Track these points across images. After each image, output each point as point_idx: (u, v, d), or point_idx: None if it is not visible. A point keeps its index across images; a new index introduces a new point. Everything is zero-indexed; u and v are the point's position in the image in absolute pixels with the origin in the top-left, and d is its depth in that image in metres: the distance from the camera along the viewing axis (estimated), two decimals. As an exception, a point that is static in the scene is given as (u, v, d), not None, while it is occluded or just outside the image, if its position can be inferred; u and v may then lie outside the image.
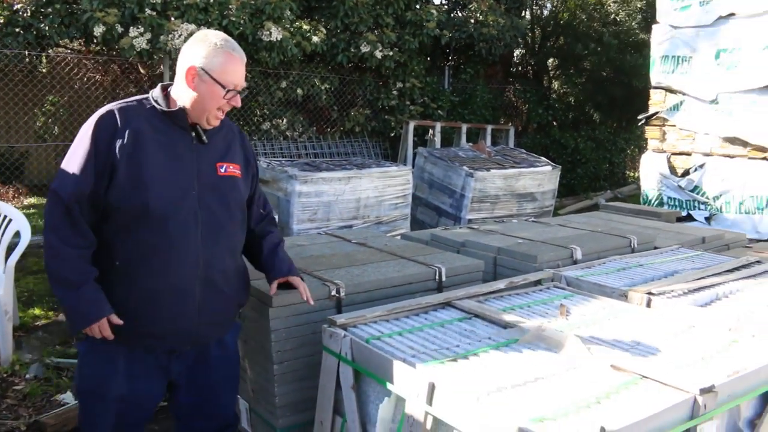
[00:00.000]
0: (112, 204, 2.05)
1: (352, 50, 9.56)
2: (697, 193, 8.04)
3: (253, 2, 8.25)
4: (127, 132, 2.07)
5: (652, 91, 8.57)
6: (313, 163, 7.17)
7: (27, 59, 8.03)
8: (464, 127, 10.36)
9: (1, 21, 7.44)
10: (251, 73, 8.98)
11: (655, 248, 4.04)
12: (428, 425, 1.93)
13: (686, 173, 8.22)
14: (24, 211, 7.04)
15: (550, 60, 14.47)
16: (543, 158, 8.64)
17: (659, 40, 8.42)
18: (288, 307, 2.61)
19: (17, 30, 7.50)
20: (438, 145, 9.91)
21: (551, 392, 1.88)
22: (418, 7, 10.48)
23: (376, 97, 10.53)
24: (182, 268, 2.11)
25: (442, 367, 2.04)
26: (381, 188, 6.62)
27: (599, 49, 12.56)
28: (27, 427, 3.39)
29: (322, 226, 6.08)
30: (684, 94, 8.17)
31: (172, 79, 8.23)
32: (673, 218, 5.78)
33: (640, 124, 9.12)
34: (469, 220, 7.09)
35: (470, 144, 9.46)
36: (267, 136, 9.66)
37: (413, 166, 8.18)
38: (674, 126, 8.32)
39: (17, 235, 4.27)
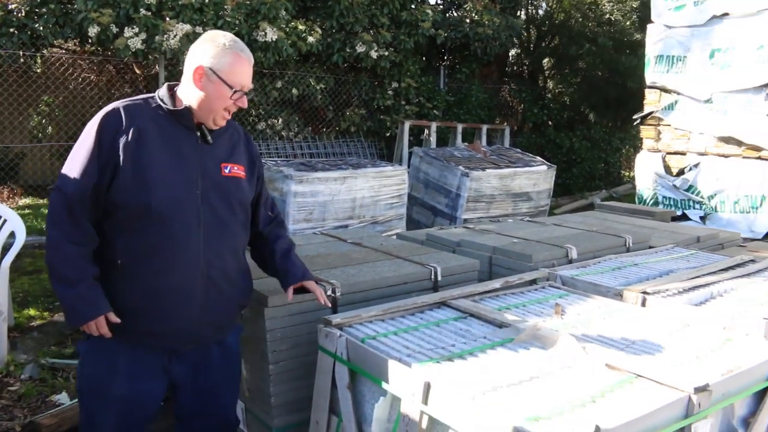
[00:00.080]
0: (115, 202, 2.06)
1: (348, 50, 9.56)
2: (692, 193, 8.07)
3: (248, 2, 8.25)
4: (131, 130, 2.07)
5: (647, 91, 8.60)
6: (308, 163, 7.17)
7: (22, 59, 8.00)
8: (460, 127, 10.38)
9: (-4, 21, 7.43)
10: (246, 72, 8.97)
11: (650, 247, 4.05)
12: (424, 424, 1.93)
13: (681, 173, 8.25)
14: (19, 211, 7.02)
15: (546, 60, 14.48)
16: (538, 158, 8.65)
17: (654, 39, 8.45)
18: (283, 307, 2.61)
19: (11, 30, 7.48)
20: (433, 144, 9.92)
21: (546, 391, 1.88)
22: (413, 6, 10.50)
23: (372, 97, 10.54)
24: (185, 268, 2.11)
25: (438, 366, 2.04)
26: (377, 188, 6.62)
27: (594, 48, 12.59)
28: (22, 428, 3.38)
29: (318, 225, 6.08)
30: (679, 93, 8.20)
31: (166, 79, 8.22)
32: (668, 217, 5.79)
33: (635, 123, 9.15)
34: (465, 220, 7.09)
35: (466, 144, 9.47)
36: (262, 136, 9.66)
37: (409, 166, 8.19)
38: (669, 125, 8.35)
39: (12, 235, 4.26)
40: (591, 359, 2.11)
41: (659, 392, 1.89)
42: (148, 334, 2.14)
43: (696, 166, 8.06)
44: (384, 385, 2.09)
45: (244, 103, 2.19)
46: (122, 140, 2.05)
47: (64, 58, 9.17)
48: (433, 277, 3.09)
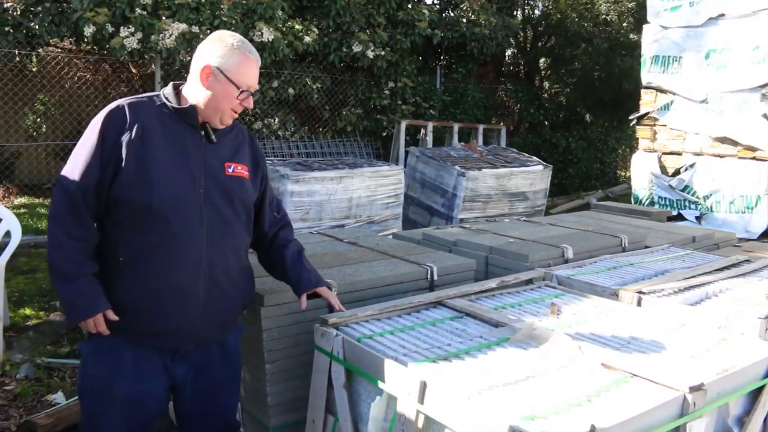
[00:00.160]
0: (117, 199, 2.06)
1: (344, 50, 9.56)
2: (688, 193, 8.09)
3: (244, 2, 8.24)
4: (135, 127, 2.07)
5: (642, 91, 8.61)
6: (305, 162, 7.17)
7: (17, 58, 7.98)
8: (456, 127, 10.38)
9: (-9, 19, 7.42)
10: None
11: (646, 247, 4.06)
12: (420, 424, 1.94)
13: (677, 173, 8.27)
14: (14, 211, 7.00)
15: (542, 60, 14.51)
16: (534, 158, 8.66)
17: (650, 40, 8.47)
18: (280, 307, 2.61)
19: (7, 29, 7.47)
20: (430, 144, 9.93)
21: (542, 390, 1.88)
22: (409, 6, 10.51)
23: (368, 96, 10.54)
24: (186, 266, 2.10)
25: (434, 365, 2.04)
26: (373, 188, 6.62)
27: (590, 49, 12.62)
28: (18, 428, 3.37)
29: (314, 225, 6.08)
30: (674, 94, 8.22)
31: (162, 78, 8.19)
32: (663, 217, 5.81)
33: (631, 124, 9.17)
34: (461, 220, 7.10)
35: (462, 143, 9.48)
36: (258, 135, 9.65)
37: (405, 166, 8.19)
38: (665, 126, 8.37)
39: (7, 234, 4.26)
40: (587, 359, 2.11)
41: (654, 391, 1.89)
42: (149, 334, 2.14)
43: (692, 166, 8.08)
44: (380, 384, 2.09)
45: (250, 104, 2.20)
46: (126, 137, 2.05)
47: (59, 57, 9.15)
48: (429, 276, 3.10)
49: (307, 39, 8.72)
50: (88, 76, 9.85)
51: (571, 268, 3.38)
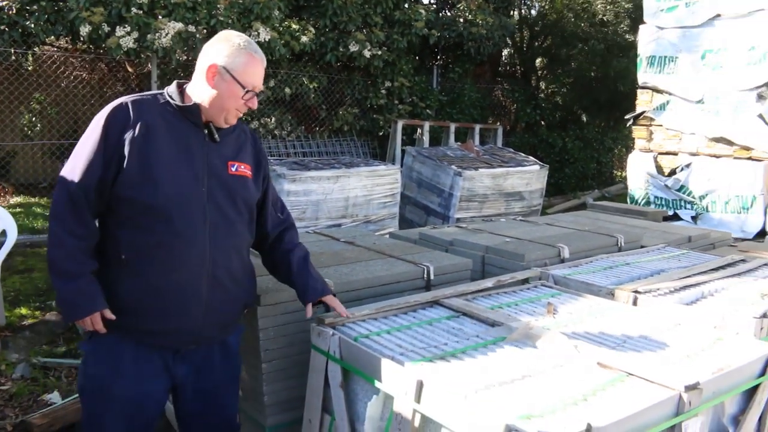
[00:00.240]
0: (120, 197, 2.05)
1: (341, 49, 9.56)
2: (684, 193, 8.11)
3: (241, 2, 8.23)
4: (138, 124, 2.07)
5: (639, 91, 8.64)
6: (301, 162, 7.18)
7: (13, 57, 7.96)
8: (452, 127, 10.39)
9: (-14, 18, 7.39)
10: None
11: (642, 247, 4.07)
12: (416, 423, 1.94)
13: (673, 173, 8.29)
14: (10, 210, 6.99)
15: (538, 60, 14.52)
16: (531, 157, 8.68)
17: (646, 40, 8.49)
18: (276, 306, 2.61)
19: (2, 27, 7.44)
20: (426, 144, 9.93)
21: (538, 390, 1.89)
22: (406, 6, 10.51)
23: (365, 96, 10.54)
24: (189, 265, 2.10)
25: (430, 365, 2.04)
26: (369, 187, 6.63)
27: (586, 48, 12.63)
28: (13, 428, 3.36)
29: (311, 224, 6.08)
30: (670, 94, 8.24)
31: (159, 77, 8.16)
32: (659, 217, 5.82)
33: (627, 124, 9.19)
34: (458, 219, 7.11)
35: (458, 143, 9.50)
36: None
37: (402, 165, 8.20)
38: (661, 126, 8.39)
39: (3, 234, 4.25)
40: (583, 358, 2.12)
41: (650, 390, 1.90)
42: (151, 333, 2.13)
43: (687, 166, 8.10)
44: (377, 383, 2.09)
45: (254, 104, 2.20)
46: (129, 135, 2.05)
47: (55, 56, 9.13)
48: (425, 276, 3.10)
49: (303, 39, 8.71)
50: (84, 75, 9.83)
51: (567, 267, 3.38)
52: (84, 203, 2.04)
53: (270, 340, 2.60)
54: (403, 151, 9.10)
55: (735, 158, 7.67)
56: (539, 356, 2.15)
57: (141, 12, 7.52)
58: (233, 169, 2.22)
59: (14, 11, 7.45)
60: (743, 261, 3.62)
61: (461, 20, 10.94)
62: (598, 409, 1.77)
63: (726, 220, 7.69)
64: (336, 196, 6.36)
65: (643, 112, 8.54)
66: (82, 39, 7.78)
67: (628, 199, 8.78)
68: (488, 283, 2.99)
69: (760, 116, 7.33)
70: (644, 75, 8.49)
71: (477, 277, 3.42)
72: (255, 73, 2.16)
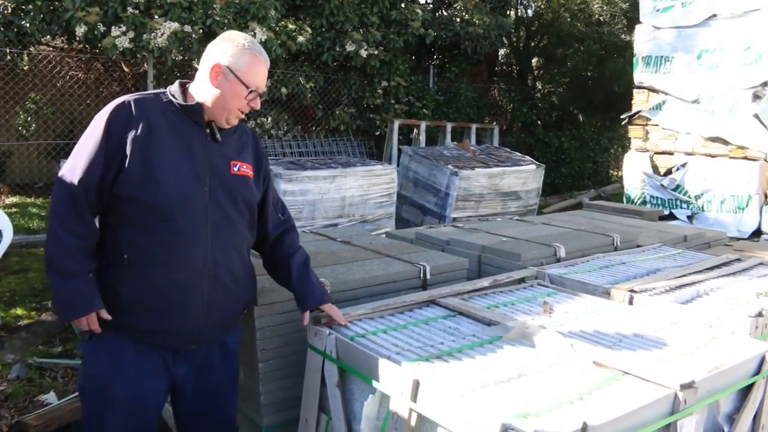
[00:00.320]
0: (121, 196, 2.04)
1: (338, 49, 9.56)
2: (680, 192, 8.12)
3: (237, 1, 8.22)
4: (141, 123, 2.06)
5: (635, 91, 8.65)
6: (298, 161, 7.17)
7: (8, 56, 7.94)
8: (449, 126, 10.39)
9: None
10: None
11: (638, 246, 4.08)
12: (413, 422, 1.94)
13: (669, 172, 8.30)
14: (6, 210, 6.98)
15: (534, 60, 14.54)
16: (527, 157, 8.68)
17: (642, 40, 8.51)
18: (273, 306, 2.61)
19: (-3, 27, 7.43)
20: (423, 143, 9.93)
21: (534, 388, 1.89)
22: (403, 6, 10.51)
23: (361, 95, 10.53)
24: (191, 265, 2.10)
25: (427, 364, 2.05)
26: (366, 187, 6.63)
27: (582, 49, 12.65)
28: (9, 428, 3.36)
29: (307, 224, 6.08)
30: (666, 93, 8.25)
31: (155, 77, 8.14)
32: (655, 217, 5.83)
33: (623, 123, 9.20)
34: (454, 219, 7.11)
35: (455, 143, 9.50)
36: (251, 134, 9.62)
37: (398, 165, 8.19)
38: (657, 125, 8.41)
39: (-1, 234, 4.24)
40: (579, 357, 2.12)
41: (646, 389, 1.91)
42: (152, 332, 2.13)
43: (683, 165, 8.12)
44: (373, 383, 2.09)
45: (257, 105, 2.20)
46: (131, 134, 2.04)
47: (51, 56, 9.10)
48: (422, 275, 3.10)
49: (300, 39, 8.71)
50: (80, 75, 9.81)
51: (563, 266, 3.39)
52: (84, 202, 2.03)
53: (266, 340, 2.60)
54: (399, 151, 9.09)
55: (731, 158, 7.69)
56: (535, 355, 2.15)
57: (137, 12, 7.50)
58: (235, 169, 2.22)
59: (9, 11, 7.42)
60: (738, 260, 3.63)
61: (458, 20, 10.95)
62: (594, 408, 1.77)
63: (721, 219, 7.71)
64: (332, 195, 6.36)
65: (639, 112, 8.55)
66: (77, 39, 7.77)
67: (624, 199, 8.79)
68: (484, 282, 3.00)
69: (756, 116, 7.35)
70: (640, 75, 8.51)
71: (473, 276, 3.43)
72: (259, 73, 2.16)
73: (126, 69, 9.81)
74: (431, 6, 12.03)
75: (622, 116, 8.99)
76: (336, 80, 10.40)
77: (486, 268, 3.58)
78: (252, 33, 8.09)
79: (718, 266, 3.49)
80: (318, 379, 2.34)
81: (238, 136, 2.30)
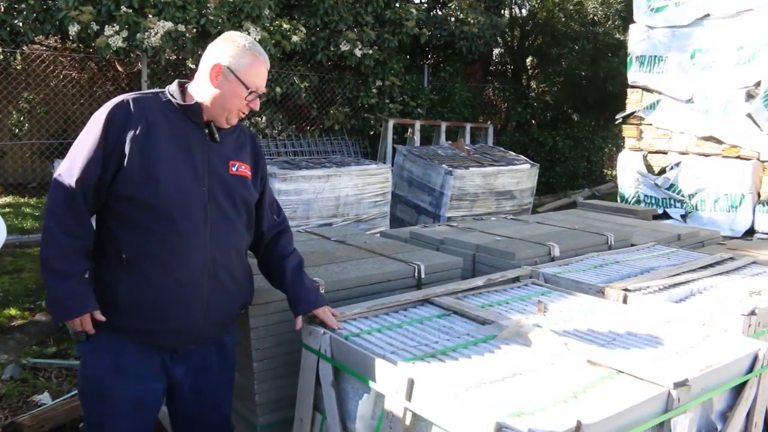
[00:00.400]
0: (120, 195, 2.03)
1: (332, 48, 9.55)
2: (673, 191, 8.15)
3: (231, 1, 8.20)
4: (140, 122, 2.06)
5: (629, 91, 8.67)
6: (292, 161, 7.17)
7: (1, 56, 7.91)
8: (443, 126, 10.40)
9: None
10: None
11: (632, 245, 4.09)
12: (407, 421, 1.94)
13: (662, 171, 8.33)
14: (-1, 210, 6.95)
15: (529, 59, 14.56)
16: (522, 156, 8.70)
17: (636, 40, 8.53)
18: (267, 305, 2.61)
19: (-10, 26, 7.39)
20: (417, 143, 9.94)
21: (529, 387, 1.90)
22: (397, 5, 10.50)
23: (356, 95, 10.53)
24: (190, 265, 2.09)
25: (421, 363, 2.05)
26: (360, 186, 6.63)
27: (576, 48, 12.68)
28: (3, 429, 3.34)
29: (302, 224, 6.08)
30: (660, 93, 8.27)
31: (149, 76, 8.10)
32: (649, 216, 5.85)
33: (617, 122, 9.23)
34: (448, 218, 7.12)
35: (449, 142, 9.51)
36: (246, 134, 9.60)
37: (393, 165, 8.20)
38: (651, 125, 8.43)
39: (-8, 234, 4.22)
40: (573, 355, 2.13)
41: (640, 387, 1.91)
42: (151, 332, 2.12)
43: (677, 165, 8.14)
44: (368, 382, 2.10)
45: (256, 106, 2.20)
46: (130, 133, 2.04)
47: (44, 55, 9.07)
48: (416, 274, 3.10)
49: (294, 38, 8.70)
50: (74, 74, 9.77)
51: (557, 265, 3.40)
52: (82, 201, 2.02)
53: (261, 340, 2.60)
54: (394, 150, 9.09)
55: (724, 157, 7.71)
56: (530, 354, 2.16)
57: (130, 11, 7.48)
58: (234, 169, 2.22)
59: (2, 10, 7.39)
60: (732, 259, 3.65)
61: (452, 19, 10.96)
62: (588, 406, 1.78)
63: (715, 218, 7.74)
64: (327, 195, 6.35)
65: (633, 112, 8.58)
66: (71, 38, 7.74)
67: (618, 198, 8.81)
68: (479, 281, 3.00)
69: (749, 115, 7.37)
70: (634, 74, 8.53)
71: (468, 275, 3.43)
72: (259, 74, 2.16)
73: (120, 68, 9.79)
74: (426, 5, 12.04)
75: (617, 117, 9.01)
76: (330, 80, 10.39)
77: (480, 267, 3.59)
78: (246, 32, 8.06)
79: (711, 265, 3.51)
80: (313, 378, 2.34)
81: (237, 135, 2.30)
